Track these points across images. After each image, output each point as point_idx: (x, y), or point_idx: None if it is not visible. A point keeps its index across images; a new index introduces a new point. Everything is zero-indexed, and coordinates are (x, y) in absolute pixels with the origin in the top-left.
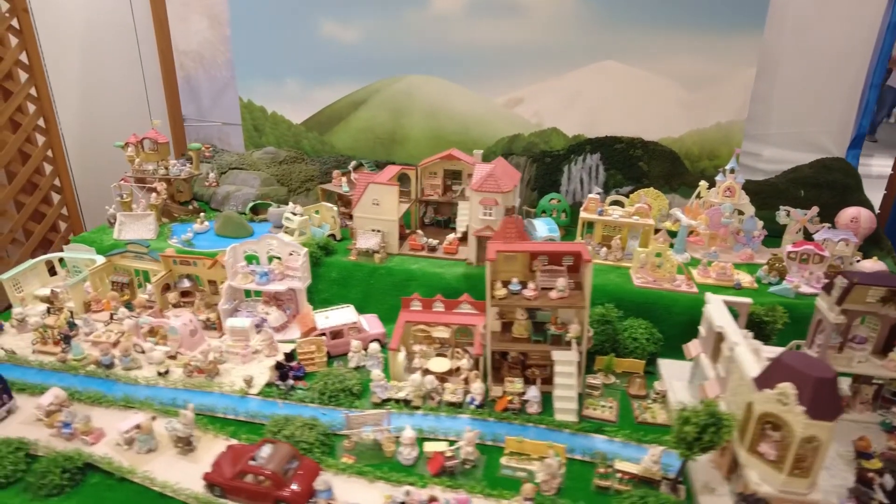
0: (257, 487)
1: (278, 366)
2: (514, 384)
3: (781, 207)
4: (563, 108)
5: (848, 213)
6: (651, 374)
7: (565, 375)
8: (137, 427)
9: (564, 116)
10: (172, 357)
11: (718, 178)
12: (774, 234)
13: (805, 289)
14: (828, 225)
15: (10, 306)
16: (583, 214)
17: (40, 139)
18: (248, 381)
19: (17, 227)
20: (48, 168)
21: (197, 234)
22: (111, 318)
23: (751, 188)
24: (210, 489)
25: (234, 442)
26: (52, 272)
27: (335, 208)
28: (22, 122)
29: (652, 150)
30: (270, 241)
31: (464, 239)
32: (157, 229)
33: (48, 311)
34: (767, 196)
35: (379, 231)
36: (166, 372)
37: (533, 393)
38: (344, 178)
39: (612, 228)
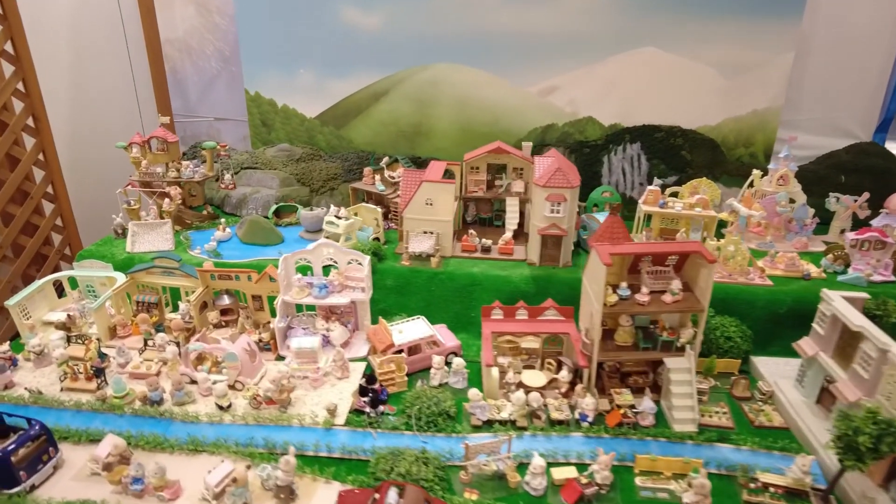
0: None
1: (363, 390)
2: (624, 395)
3: (831, 194)
4: (598, 96)
5: None
6: (745, 373)
7: (681, 383)
8: (233, 480)
9: (600, 105)
10: (231, 387)
11: (771, 166)
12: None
13: (876, 277)
14: (884, 210)
15: (15, 336)
16: (645, 207)
17: (29, 141)
18: (332, 411)
19: (8, 242)
20: (38, 174)
21: (219, 242)
22: (145, 344)
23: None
24: None
25: (343, 486)
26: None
27: (378, 209)
28: (9, 122)
29: (692, 139)
30: (326, 248)
31: (514, 238)
32: (174, 239)
33: (68, 339)
34: (809, 183)
35: (432, 233)
36: (229, 405)
37: (648, 404)
38: (377, 176)
39: (671, 221)
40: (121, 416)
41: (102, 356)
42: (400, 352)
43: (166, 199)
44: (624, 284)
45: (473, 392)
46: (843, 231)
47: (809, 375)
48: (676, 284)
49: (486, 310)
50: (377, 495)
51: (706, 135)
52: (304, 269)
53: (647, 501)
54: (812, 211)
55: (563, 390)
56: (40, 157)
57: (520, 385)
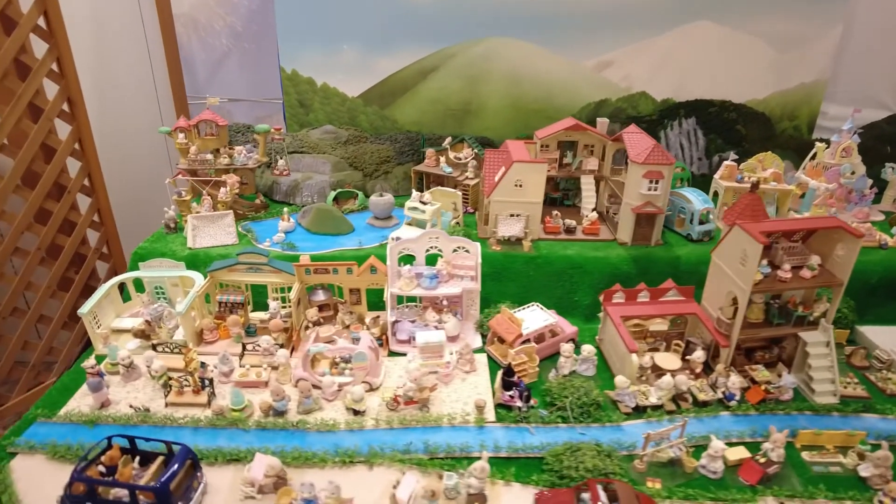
0: None
1: (507, 384)
2: (761, 372)
3: (887, 164)
4: (652, 71)
5: None
6: (852, 343)
7: (820, 357)
8: (432, 493)
9: (653, 80)
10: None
11: (835, 138)
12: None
13: None
14: None
15: (85, 347)
16: (724, 183)
17: (63, 128)
18: (482, 407)
19: (46, 243)
20: (73, 165)
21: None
22: (243, 349)
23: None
24: None
25: (535, 490)
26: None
27: (458, 193)
28: (43, 108)
29: (745, 113)
30: (433, 237)
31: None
32: (237, 231)
33: (154, 348)
34: None
35: (520, 215)
36: (363, 411)
37: (789, 379)
38: (441, 158)
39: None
40: (246, 430)
41: (202, 365)
42: (527, 341)
43: (222, 189)
44: (764, 262)
45: (621, 379)
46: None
47: None
48: (815, 259)
49: (609, 293)
50: (585, 495)
51: (756, 108)
52: (406, 259)
53: (823, 477)
54: (870, 181)
55: (697, 371)
56: (76, 146)
57: (654, 369)
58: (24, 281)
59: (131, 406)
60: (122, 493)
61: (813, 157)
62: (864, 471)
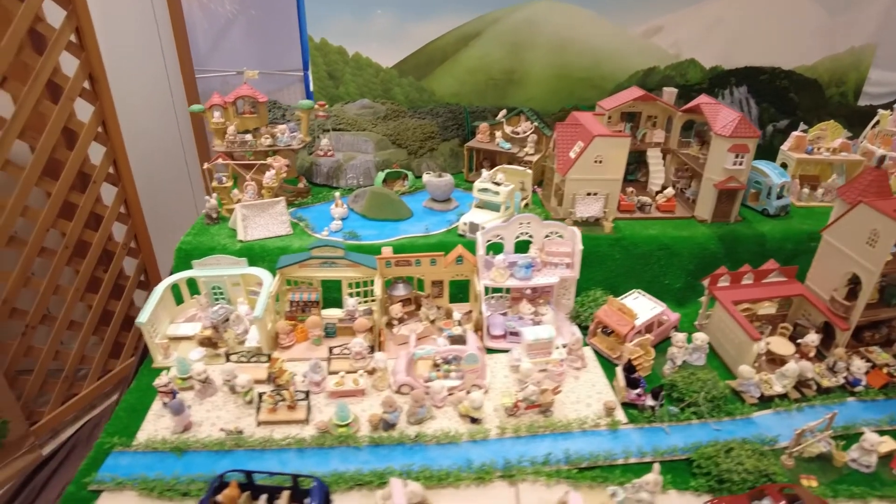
0: None
1: (631, 382)
2: (880, 354)
3: None
4: (702, 37)
5: None
6: None
7: None
8: None
9: (702, 46)
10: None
11: None
12: None
13: None
14: None
15: (144, 358)
16: (794, 155)
17: (84, 110)
18: (612, 409)
19: (73, 240)
20: (95, 152)
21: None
22: (330, 353)
23: (868, 112)
24: None
25: (694, 495)
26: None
27: (528, 171)
28: (63, 87)
29: (796, 80)
30: (524, 222)
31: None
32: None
33: (227, 358)
34: None
35: (598, 194)
36: (482, 418)
37: None
38: (497, 133)
39: (813, 166)
40: (358, 448)
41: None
42: (639, 333)
43: (267, 173)
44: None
45: (747, 369)
46: None
47: None
48: None
49: (715, 277)
50: (763, 502)
51: (806, 75)
52: (495, 248)
53: None
54: None
55: (810, 356)
56: (100, 129)
57: (768, 355)
58: (53, 284)
59: (222, 430)
60: None
61: (875, 125)
62: None
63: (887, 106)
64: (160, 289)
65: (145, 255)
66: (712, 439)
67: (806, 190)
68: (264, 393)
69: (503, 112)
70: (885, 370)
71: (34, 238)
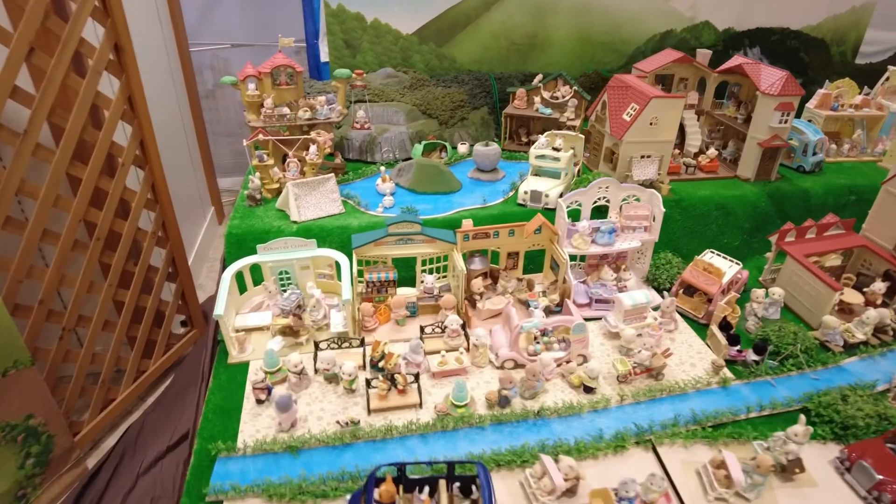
0: None
1: (731, 339)
2: None
3: None
4: None
5: None
6: None
7: None
8: (757, 467)
9: (717, 8)
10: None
11: None
12: None
13: None
14: None
15: (217, 346)
16: (822, 112)
17: (109, 85)
18: (720, 367)
19: (105, 231)
20: (122, 131)
21: (382, 194)
22: (422, 332)
23: (865, 69)
24: None
25: (823, 444)
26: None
27: (580, 136)
28: (90, 57)
29: (804, 41)
30: (602, 186)
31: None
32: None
33: (316, 347)
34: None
35: (651, 156)
36: (596, 388)
37: None
38: (537, 99)
39: (834, 123)
40: (483, 428)
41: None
42: (723, 291)
43: (311, 148)
44: None
45: (832, 319)
46: None
47: None
48: None
49: (783, 233)
50: None
51: (812, 35)
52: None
53: None
54: None
55: (878, 303)
56: (126, 106)
57: (840, 305)
58: (87, 282)
59: (338, 422)
60: None
61: (885, 81)
62: None
63: (884, 63)
64: (227, 277)
65: (174, 245)
66: (815, 389)
67: (833, 146)
68: (374, 379)
69: (539, 77)
70: None
71: (67, 230)
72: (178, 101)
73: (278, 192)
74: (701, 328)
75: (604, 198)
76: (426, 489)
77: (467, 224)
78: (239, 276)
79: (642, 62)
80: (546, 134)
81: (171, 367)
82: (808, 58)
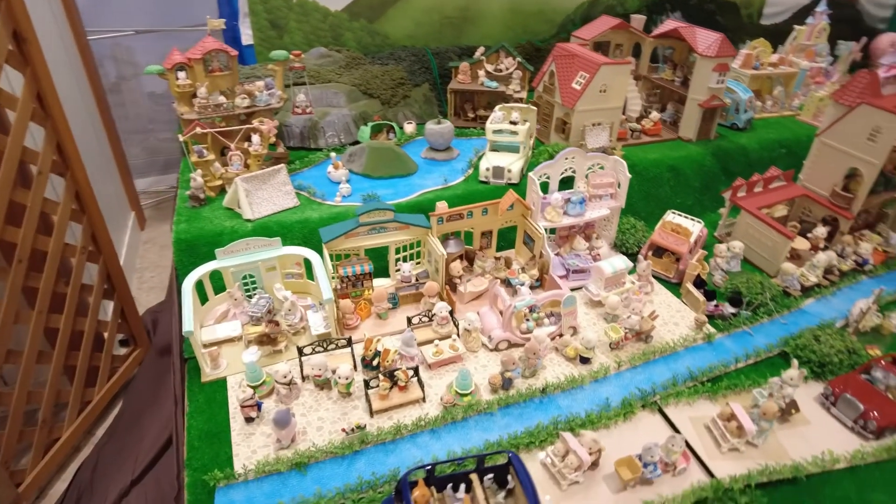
0: None
1: (707, 295)
2: (872, 236)
3: (839, 41)
4: None
5: (885, 40)
6: None
7: None
8: (763, 413)
9: None
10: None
11: (810, 20)
12: None
13: None
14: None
15: (185, 364)
16: (747, 71)
17: (7, 82)
18: (703, 322)
19: (27, 251)
20: (33, 134)
21: (336, 182)
22: (409, 323)
23: (771, 29)
24: None
25: (812, 384)
26: None
27: (533, 108)
28: None
29: (719, 4)
30: (569, 157)
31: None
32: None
33: (300, 352)
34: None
35: (601, 124)
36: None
37: None
38: (481, 72)
39: (758, 81)
40: (492, 413)
41: (378, 355)
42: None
43: (254, 138)
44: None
45: (789, 266)
46: (850, 71)
47: None
48: None
49: (735, 189)
50: (876, 372)
51: None
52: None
53: None
54: (831, 59)
55: (821, 246)
56: (34, 105)
57: (790, 252)
58: (12, 311)
59: (343, 430)
60: None
61: (793, 41)
62: None
63: (788, 24)
64: (188, 288)
65: (107, 258)
66: (788, 333)
67: (759, 102)
68: (373, 378)
69: (481, 49)
70: (879, 248)
71: None
72: (83, 96)
73: (221, 189)
74: (673, 287)
75: (570, 168)
76: (461, 487)
77: (442, 206)
78: (198, 286)
79: (581, 30)
80: (499, 107)
81: (118, 392)
82: (724, 20)
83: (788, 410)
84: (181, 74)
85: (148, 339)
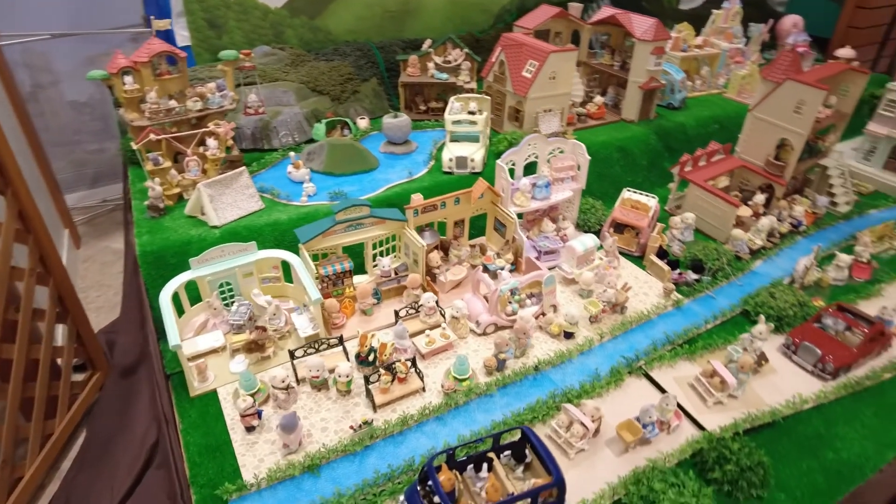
0: None
1: (671, 264)
2: (802, 200)
3: (751, 24)
4: None
5: (788, 22)
6: None
7: (838, 176)
8: (741, 367)
9: None
10: (542, 315)
11: (725, 4)
12: None
13: None
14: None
15: (169, 380)
16: (677, 53)
17: None
18: (671, 290)
19: None
20: None
21: (298, 182)
22: (397, 316)
23: (690, 14)
24: None
25: (773, 336)
26: None
27: (487, 98)
28: None
29: None
30: (531, 143)
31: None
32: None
33: (291, 356)
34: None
35: (552, 110)
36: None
37: (824, 200)
38: (430, 64)
39: (686, 62)
40: (492, 395)
41: (372, 351)
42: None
43: (210, 142)
44: None
45: (738, 232)
46: (762, 51)
47: (879, 150)
48: (833, 99)
49: (682, 164)
50: (826, 320)
51: None
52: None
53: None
54: (746, 40)
55: (760, 212)
56: None
57: (736, 218)
58: None
59: (351, 427)
60: None
61: (712, 24)
62: None
63: (705, 8)
64: (165, 301)
65: (58, 279)
66: (745, 293)
67: (689, 83)
68: (374, 374)
69: (428, 42)
70: (810, 210)
71: None
72: (1, 107)
73: (180, 197)
74: (636, 260)
75: (533, 154)
76: (483, 466)
77: (417, 198)
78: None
79: (523, 19)
80: (455, 98)
81: (80, 421)
82: (648, 6)
83: (759, 362)
84: (128, 79)
85: (106, 362)
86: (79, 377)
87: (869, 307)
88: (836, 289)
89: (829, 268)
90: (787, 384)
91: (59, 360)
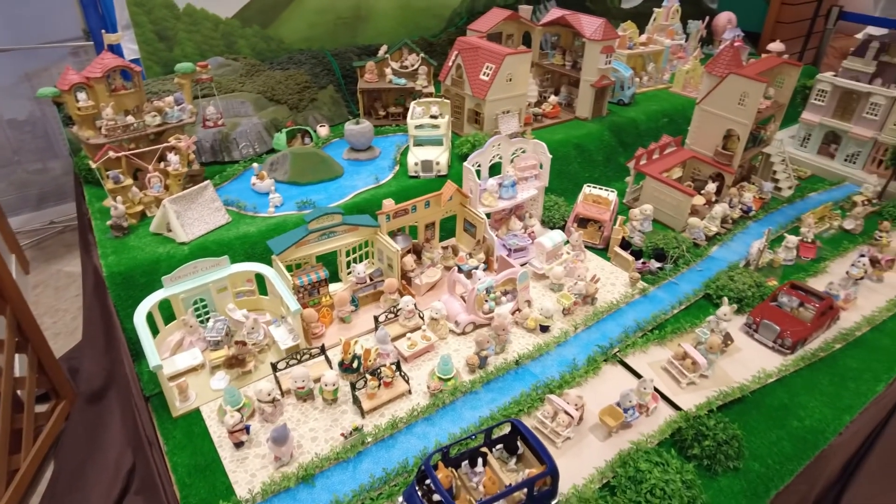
0: None
1: (635, 254)
2: (749, 186)
3: (690, 21)
4: None
5: (723, 18)
6: None
7: (780, 163)
8: (710, 348)
9: None
10: (518, 311)
11: (665, 3)
12: None
13: None
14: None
15: (148, 402)
16: (623, 52)
17: None
18: (636, 279)
19: None
20: None
21: (263, 193)
22: (376, 321)
23: (631, 13)
24: None
25: (736, 316)
26: None
27: (447, 101)
28: None
29: None
30: (495, 144)
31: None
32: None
33: (274, 368)
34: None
35: (510, 111)
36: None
37: (768, 186)
38: (388, 70)
39: (632, 60)
40: (477, 392)
41: (356, 359)
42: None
43: (171, 157)
44: None
45: (695, 220)
46: (701, 46)
47: (813, 137)
48: (771, 91)
49: (638, 158)
50: (782, 298)
51: None
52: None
53: (834, 238)
54: (685, 36)
55: (712, 200)
56: None
57: (690, 207)
58: None
59: (342, 434)
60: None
61: (653, 22)
62: (849, 224)
63: (645, 7)
64: (140, 322)
65: (15, 307)
66: (705, 278)
67: (637, 79)
68: (360, 380)
69: (384, 48)
70: (757, 196)
71: None
72: None
73: (142, 214)
74: (600, 252)
75: (497, 155)
76: (479, 461)
77: (388, 203)
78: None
79: (476, 23)
80: (416, 103)
81: (48, 452)
82: (593, 6)
83: (725, 342)
84: (81, 96)
85: (71, 389)
86: (42, 407)
87: (817, 283)
88: (787, 268)
89: (780, 249)
90: (751, 361)
91: (19, 392)
